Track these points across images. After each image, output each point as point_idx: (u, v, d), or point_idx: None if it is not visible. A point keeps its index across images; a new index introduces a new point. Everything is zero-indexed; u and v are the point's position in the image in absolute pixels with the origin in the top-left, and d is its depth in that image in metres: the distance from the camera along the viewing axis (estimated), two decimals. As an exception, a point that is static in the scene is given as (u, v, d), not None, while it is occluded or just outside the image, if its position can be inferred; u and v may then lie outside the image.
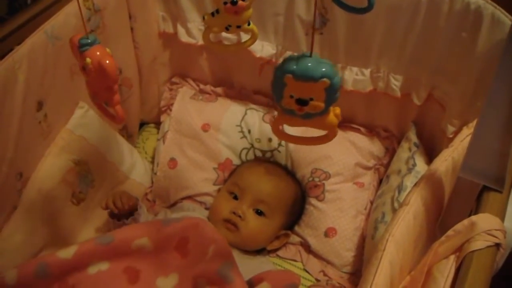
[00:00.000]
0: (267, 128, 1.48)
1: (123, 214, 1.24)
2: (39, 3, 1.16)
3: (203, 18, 0.86)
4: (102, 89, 0.92)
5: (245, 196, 1.30)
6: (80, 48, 0.88)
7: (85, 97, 1.26)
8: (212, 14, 0.87)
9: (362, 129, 1.47)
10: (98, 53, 0.88)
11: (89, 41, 0.88)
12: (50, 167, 1.18)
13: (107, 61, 0.88)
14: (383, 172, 1.45)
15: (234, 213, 1.27)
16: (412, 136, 1.36)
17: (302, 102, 0.77)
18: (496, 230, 0.83)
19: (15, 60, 1.02)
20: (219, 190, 1.41)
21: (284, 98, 0.77)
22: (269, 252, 1.37)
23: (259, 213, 1.29)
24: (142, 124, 1.67)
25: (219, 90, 1.57)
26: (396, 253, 0.88)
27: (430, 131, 1.38)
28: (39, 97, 1.11)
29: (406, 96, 1.36)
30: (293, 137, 0.90)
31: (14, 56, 1.02)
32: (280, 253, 1.38)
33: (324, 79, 0.74)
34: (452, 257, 0.86)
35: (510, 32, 0.80)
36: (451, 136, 1.25)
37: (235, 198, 1.32)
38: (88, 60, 0.87)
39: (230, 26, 0.87)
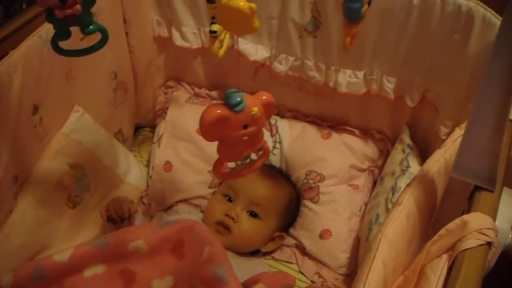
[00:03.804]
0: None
1: (119, 217, 1.25)
2: (34, 7, 1.16)
3: (213, 32, 0.85)
4: (260, 131, 0.87)
5: (239, 198, 1.31)
6: (235, 108, 0.81)
7: (81, 101, 1.28)
8: (216, 23, 0.86)
9: (356, 131, 1.48)
10: (251, 98, 0.83)
11: (238, 99, 0.81)
12: (45, 170, 1.18)
13: (264, 97, 0.84)
14: (377, 174, 1.46)
15: (227, 215, 1.28)
16: (406, 138, 1.37)
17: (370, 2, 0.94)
18: (487, 229, 0.84)
19: (11, 64, 1.02)
20: (214, 193, 1.42)
21: (363, 8, 0.90)
22: (264, 254, 1.37)
23: (253, 215, 1.30)
24: (138, 128, 1.67)
25: (214, 93, 1.58)
26: (389, 253, 0.88)
27: (424, 133, 1.39)
28: (34, 100, 1.11)
29: (399, 98, 1.36)
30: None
31: (9, 60, 1.02)
32: (275, 255, 1.39)
33: None
34: (445, 256, 0.87)
35: (499, 32, 0.81)
36: (444, 137, 1.26)
37: (230, 200, 1.32)
38: (255, 109, 0.82)
39: None
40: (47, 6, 0.77)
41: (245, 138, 0.85)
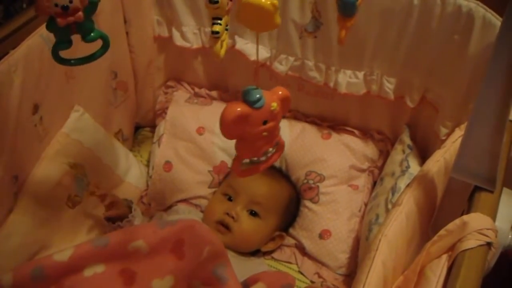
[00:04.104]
0: (262, 131, 1.49)
1: (117, 217, 1.25)
2: (34, 7, 1.16)
3: (216, 32, 0.85)
4: (277, 126, 0.87)
5: (239, 197, 1.31)
6: (255, 104, 0.81)
7: (81, 100, 1.28)
8: (219, 24, 0.86)
9: (356, 131, 1.48)
10: (269, 94, 0.84)
11: (258, 95, 0.81)
12: (45, 170, 1.18)
13: (280, 92, 0.85)
14: (377, 174, 1.46)
15: (227, 214, 1.28)
16: (406, 139, 1.37)
17: None
18: (487, 229, 0.84)
19: (11, 64, 1.02)
20: (214, 193, 1.42)
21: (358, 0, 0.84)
22: (264, 254, 1.37)
23: (253, 214, 1.30)
24: (138, 128, 1.68)
25: (214, 93, 1.58)
26: (389, 253, 0.88)
27: (424, 133, 1.39)
28: (34, 100, 1.11)
29: (399, 99, 1.36)
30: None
31: (10, 60, 1.02)
32: (275, 255, 1.39)
33: None
34: (445, 257, 0.87)
35: (500, 33, 0.81)
36: (444, 138, 1.26)
37: (230, 199, 1.32)
38: (274, 104, 0.83)
39: (227, 25, 0.88)
40: (48, 14, 0.76)
41: (265, 133, 0.85)
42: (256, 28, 0.81)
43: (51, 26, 0.77)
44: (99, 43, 0.83)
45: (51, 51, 0.81)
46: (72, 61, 0.84)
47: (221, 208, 1.30)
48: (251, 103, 0.81)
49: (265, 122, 0.84)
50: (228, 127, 0.82)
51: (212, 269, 1.01)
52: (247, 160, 0.93)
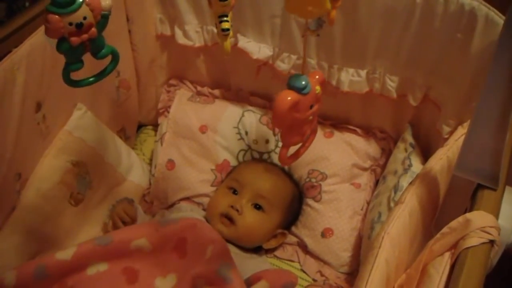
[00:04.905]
0: (264, 129, 1.49)
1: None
2: (37, 5, 1.16)
3: (226, 29, 0.85)
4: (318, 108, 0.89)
5: (244, 191, 1.31)
6: (303, 91, 0.82)
7: (83, 98, 1.28)
8: (227, 21, 0.87)
9: (358, 130, 1.48)
10: (310, 79, 0.85)
11: (304, 82, 0.82)
12: (48, 168, 1.18)
13: (317, 76, 0.87)
14: (379, 173, 1.46)
15: (232, 207, 1.28)
16: (408, 137, 1.37)
17: None
18: (490, 227, 0.84)
19: (14, 62, 1.02)
20: (217, 189, 1.42)
21: None
22: (266, 252, 1.37)
23: (257, 207, 1.30)
24: (140, 126, 1.68)
25: (216, 92, 1.58)
26: (391, 251, 0.88)
27: (426, 132, 1.39)
28: (37, 98, 1.11)
29: (402, 97, 1.36)
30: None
31: (13, 58, 1.02)
32: (277, 253, 1.39)
33: None
34: (447, 254, 0.87)
35: (502, 31, 0.81)
36: (446, 136, 1.26)
37: (234, 193, 1.33)
38: (318, 88, 0.84)
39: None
40: (60, 35, 0.72)
41: (310, 117, 0.86)
42: (306, 15, 0.81)
43: (63, 47, 0.74)
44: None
45: (62, 75, 0.77)
46: (91, 79, 0.82)
47: (226, 201, 1.31)
48: (299, 90, 0.82)
49: (311, 107, 0.85)
50: (282, 117, 0.83)
51: (217, 268, 1.01)
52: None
